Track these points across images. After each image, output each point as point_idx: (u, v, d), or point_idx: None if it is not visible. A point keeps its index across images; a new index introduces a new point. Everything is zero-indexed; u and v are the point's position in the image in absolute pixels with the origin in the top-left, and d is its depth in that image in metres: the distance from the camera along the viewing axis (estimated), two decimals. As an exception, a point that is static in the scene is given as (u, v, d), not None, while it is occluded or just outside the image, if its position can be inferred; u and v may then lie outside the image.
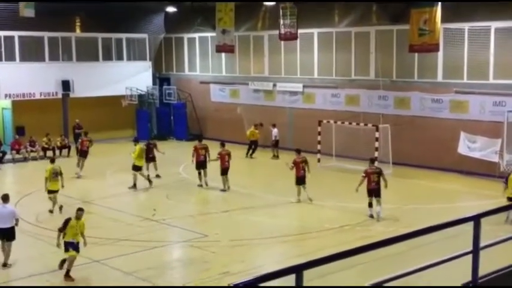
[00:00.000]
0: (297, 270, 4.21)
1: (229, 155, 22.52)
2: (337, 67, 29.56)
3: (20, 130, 31.76)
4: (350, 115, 27.72)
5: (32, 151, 30.02)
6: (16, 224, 14.77)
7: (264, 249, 16.43)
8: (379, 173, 18.77)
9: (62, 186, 19.66)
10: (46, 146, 30.54)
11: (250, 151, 29.80)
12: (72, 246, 13.87)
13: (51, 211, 19.50)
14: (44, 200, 20.96)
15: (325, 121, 27.34)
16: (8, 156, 29.49)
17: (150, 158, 24.76)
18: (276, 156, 29.46)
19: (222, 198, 21.90)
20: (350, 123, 26.61)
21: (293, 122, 31.31)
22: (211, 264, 14.79)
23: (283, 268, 4.21)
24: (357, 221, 18.38)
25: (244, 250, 16.02)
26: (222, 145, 23.14)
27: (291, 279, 4.33)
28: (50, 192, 19.56)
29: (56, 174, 19.56)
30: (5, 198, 14.85)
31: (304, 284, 4.33)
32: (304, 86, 30.86)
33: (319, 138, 27.24)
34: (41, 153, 30.24)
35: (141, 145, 24.09)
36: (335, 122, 27.05)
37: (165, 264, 15.26)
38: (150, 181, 23.50)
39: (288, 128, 31.50)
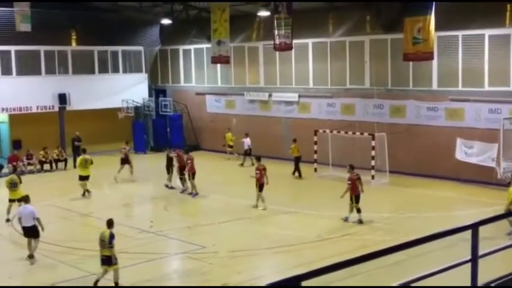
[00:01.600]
0: (296, 280, 4.23)
1: (265, 169, 21.93)
2: (332, 76, 29.66)
3: (16, 144, 31.75)
4: (346, 124, 27.80)
5: (29, 164, 30.01)
6: (39, 223, 16.08)
7: (262, 260, 16.42)
8: (359, 179, 19.54)
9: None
10: (43, 159, 30.55)
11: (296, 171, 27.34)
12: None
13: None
14: (40, 213, 20.91)
15: (321, 130, 27.41)
16: (5, 170, 29.44)
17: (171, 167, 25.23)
18: (242, 165, 30.35)
19: (218, 209, 21.87)
20: (346, 132, 26.67)
21: (289, 132, 31.35)
22: (210, 276, 14.78)
23: (283, 279, 4.23)
24: (354, 230, 18.39)
25: (242, 261, 16.00)
26: (258, 159, 22.92)
27: None
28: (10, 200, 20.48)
29: (14, 185, 20.52)
30: (26, 199, 16.54)
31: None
32: (299, 96, 30.93)
33: (315, 147, 27.29)
34: (38, 167, 30.26)
35: (84, 157, 24.59)
36: (331, 131, 27.11)
37: (164, 276, 15.23)
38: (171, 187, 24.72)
39: (284, 138, 31.53)
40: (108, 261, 13.66)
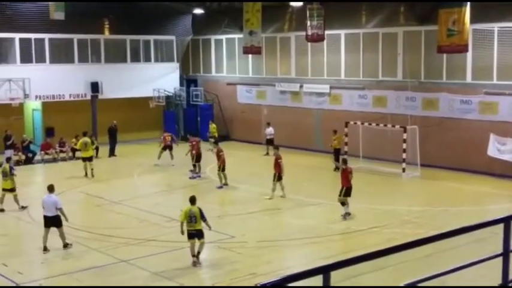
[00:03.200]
0: (325, 270, 4.21)
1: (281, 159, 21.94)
2: (364, 68, 29.43)
3: (49, 131, 32.17)
4: (377, 116, 27.58)
5: (61, 151, 30.40)
6: (62, 213, 15.99)
7: (291, 251, 16.42)
8: (351, 172, 19.10)
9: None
10: (75, 146, 30.90)
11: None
12: None
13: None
14: (72, 200, 21.25)
15: (352, 122, 27.23)
16: (37, 157, 29.92)
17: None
18: (267, 154, 30.20)
19: (248, 199, 21.92)
20: (377, 125, 26.46)
21: (320, 124, 31.23)
22: (239, 265, 14.82)
23: (311, 269, 4.21)
24: (384, 223, 18.26)
25: (271, 251, 16.02)
26: (277, 148, 22.85)
27: (318, 281, 4.33)
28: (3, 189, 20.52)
29: (4, 174, 20.42)
30: (51, 188, 16.31)
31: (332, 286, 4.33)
32: (331, 87, 30.77)
33: (346, 139, 27.14)
34: (70, 154, 30.63)
35: (84, 139, 26.57)
36: (362, 123, 26.91)
37: (192, 265, 15.29)
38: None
39: (315, 129, 31.45)
40: (198, 234, 14.54)
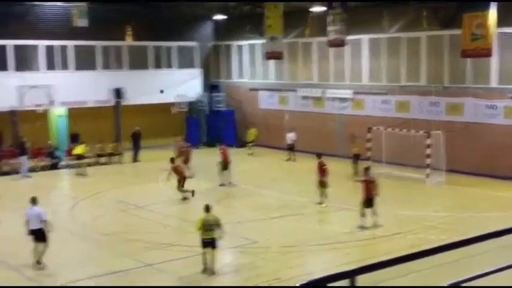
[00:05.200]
0: (351, 275, 4.20)
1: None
2: (387, 73, 29.31)
3: (74, 137, 32.46)
4: (400, 121, 27.42)
5: (86, 157, 30.61)
6: (45, 227, 15.16)
7: (314, 256, 16.37)
8: (375, 182, 18.64)
9: None
10: (99, 152, 31.20)
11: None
12: None
13: None
14: (97, 205, 21.44)
15: (375, 128, 27.10)
16: (62, 163, 30.20)
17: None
18: (289, 159, 30.66)
19: (271, 204, 21.91)
20: (400, 130, 26.30)
21: (342, 129, 31.13)
22: (262, 270, 14.81)
23: (337, 272, 4.20)
24: (407, 228, 18.14)
25: (294, 256, 15.99)
26: (319, 156, 22.17)
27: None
28: None
29: None
30: (33, 200, 15.50)
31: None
32: (353, 93, 30.67)
33: (369, 145, 27.01)
34: (94, 160, 30.88)
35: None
36: (385, 129, 26.78)
37: (216, 269, 15.32)
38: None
39: (337, 134, 31.35)
40: (213, 243, 14.28)
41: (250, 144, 33.16)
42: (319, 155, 22.21)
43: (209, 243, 14.36)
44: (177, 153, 27.00)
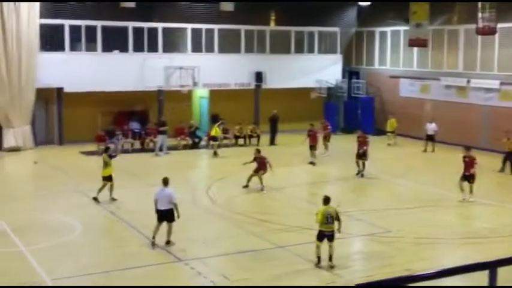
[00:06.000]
0: (491, 266, 4.04)
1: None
2: (540, 63, 27.59)
3: (215, 118, 33.50)
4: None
5: (225, 138, 31.54)
6: (175, 209, 15.29)
7: (450, 250, 15.85)
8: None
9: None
10: (238, 134, 32.01)
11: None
12: None
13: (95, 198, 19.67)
14: (234, 185, 22.05)
15: (523, 121, 25.66)
16: (202, 143, 31.31)
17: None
18: (425, 150, 29.64)
19: (407, 195, 21.48)
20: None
21: (487, 121, 29.75)
22: (394, 260, 14.59)
23: (475, 263, 4.08)
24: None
25: (428, 248, 15.59)
26: (468, 149, 20.80)
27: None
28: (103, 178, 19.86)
29: (105, 164, 19.81)
30: (165, 181, 15.61)
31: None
32: (501, 83, 29.16)
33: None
34: (233, 141, 31.74)
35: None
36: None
37: (347, 255, 15.27)
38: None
39: (481, 126, 30.01)
40: (331, 236, 14.00)
41: (390, 134, 32.51)
42: (468, 148, 20.85)
43: (327, 236, 14.04)
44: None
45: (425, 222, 18.01)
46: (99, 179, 19.86)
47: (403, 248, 15.55)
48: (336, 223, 14.15)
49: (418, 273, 3.73)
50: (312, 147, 26.65)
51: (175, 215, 15.35)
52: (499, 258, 3.99)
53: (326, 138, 29.07)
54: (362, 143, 24.45)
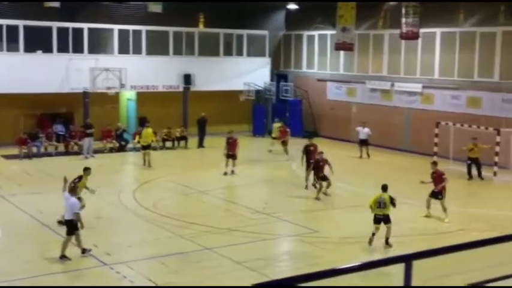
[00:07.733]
0: (407, 259, 4.13)
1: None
2: (459, 68, 28.58)
3: (142, 121, 33.09)
4: (470, 118, 26.73)
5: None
6: (77, 218, 14.36)
7: (378, 248, 16.16)
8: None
9: None
10: (165, 137, 31.73)
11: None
12: None
13: None
14: (161, 188, 21.83)
15: (443, 123, 26.51)
16: (130, 145, 30.86)
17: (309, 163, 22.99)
18: (361, 157, 29.09)
19: (335, 196, 21.77)
20: (470, 126, 25.63)
21: (409, 123, 30.60)
22: (320, 260, 14.76)
23: (392, 257, 4.15)
24: (472, 226, 17.68)
25: (354, 248, 15.87)
26: (435, 164, 19.85)
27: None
28: None
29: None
30: (71, 189, 15.20)
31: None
32: (423, 87, 30.07)
33: (436, 140, 26.46)
34: (161, 144, 31.42)
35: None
36: (454, 124, 26.15)
37: (275, 256, 15.41)
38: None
39: (404, 129, 30.84)
40: (385, 219, 15.54)
41: (274, 139, 30.73)
42: (435, 163, 20.03)
43: (381, 219, 15.52)
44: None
45: (352, 222, 18.28)
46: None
47: (329, 248, 15.77)
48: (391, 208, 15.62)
49: (323, 270, 3.75)
50: (284, 143, 28.69)
51: (79, 225, 14.35)
52: (414, 252, 4.09)
53: (284, 143, 28.92)
54: (315, 152, 23.08)
